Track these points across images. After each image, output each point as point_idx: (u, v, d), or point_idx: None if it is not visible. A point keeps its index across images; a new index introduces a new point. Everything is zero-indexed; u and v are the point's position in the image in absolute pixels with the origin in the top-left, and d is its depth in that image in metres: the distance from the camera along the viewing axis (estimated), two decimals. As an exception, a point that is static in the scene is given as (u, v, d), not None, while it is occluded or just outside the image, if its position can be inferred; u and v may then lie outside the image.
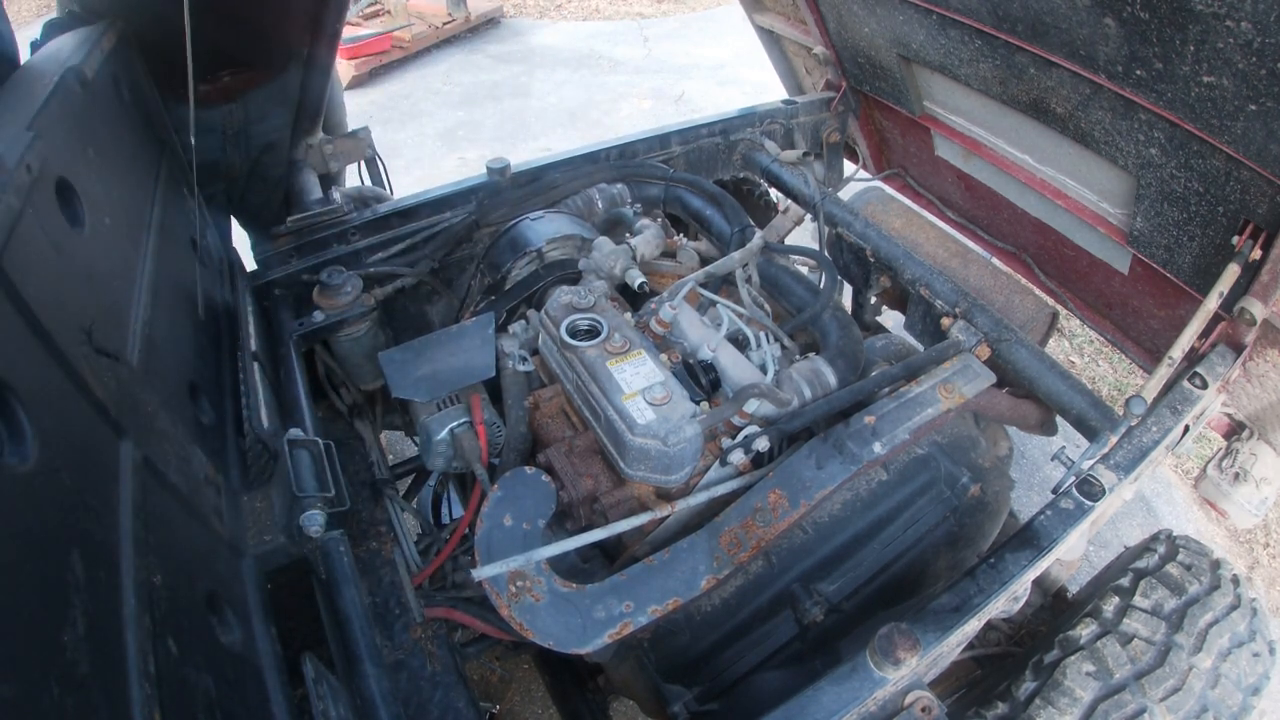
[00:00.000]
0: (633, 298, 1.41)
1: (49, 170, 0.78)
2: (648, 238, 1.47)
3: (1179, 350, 1.11)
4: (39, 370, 0.61)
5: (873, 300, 1.73)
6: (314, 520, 0.94)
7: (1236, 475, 1.35)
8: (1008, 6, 1.24)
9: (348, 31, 4.88)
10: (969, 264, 1.65)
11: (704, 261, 1.55)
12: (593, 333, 1.18)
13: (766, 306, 1.41)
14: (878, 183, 2.18)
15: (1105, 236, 1.52)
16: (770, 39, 2.25)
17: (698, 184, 1.69)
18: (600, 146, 1.73)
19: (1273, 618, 2.19)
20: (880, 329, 1.83)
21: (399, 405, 1.49)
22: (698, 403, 1.09)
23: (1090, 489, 0.99)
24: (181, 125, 1.51)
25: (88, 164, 0.91)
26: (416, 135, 4.75)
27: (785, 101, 2.00)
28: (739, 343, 1.26)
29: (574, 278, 1.40)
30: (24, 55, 1.09)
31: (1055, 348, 3.03)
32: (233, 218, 1.91)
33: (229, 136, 1.65)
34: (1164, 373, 1.11)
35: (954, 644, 0.91)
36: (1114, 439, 1.07)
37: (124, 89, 1.17)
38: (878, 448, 1.09)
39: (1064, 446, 1.16)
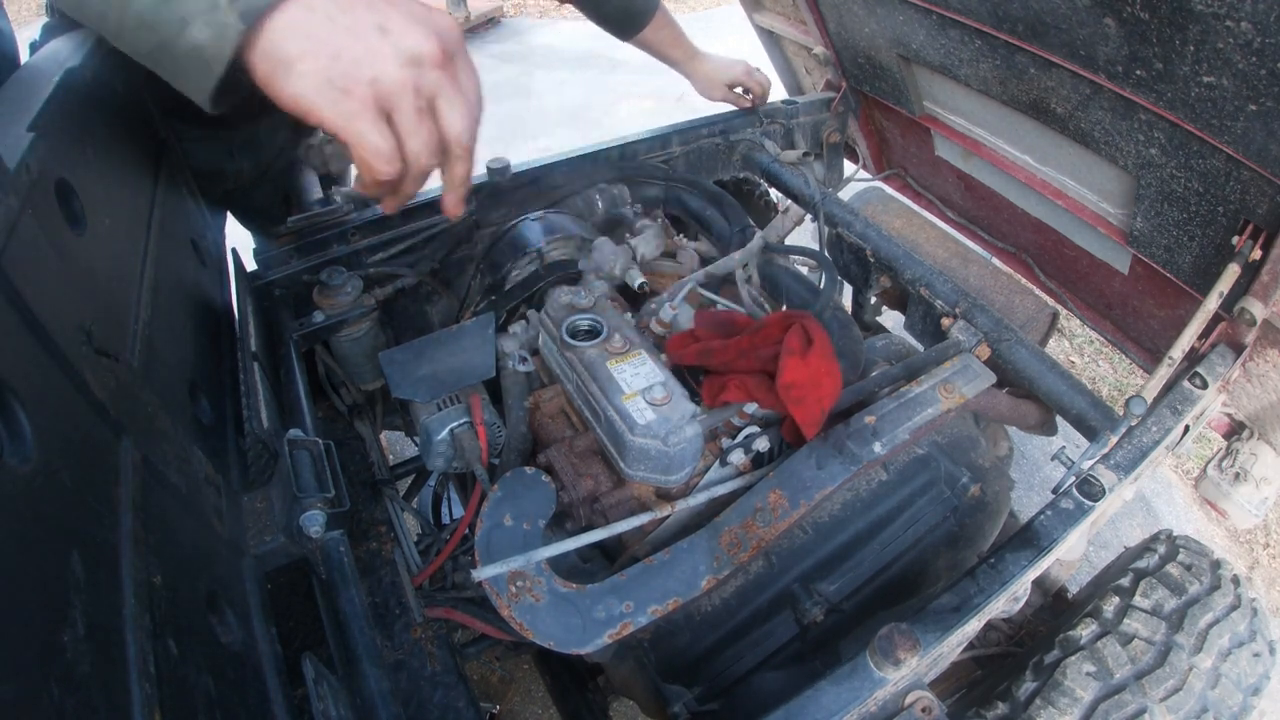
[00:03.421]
0: (633, 298, 1.41)
1: (49, 171, 0.78)
2: (648, 238, 1.47)
3: (1179, 350, 1.11)
4: (39, 370, 0.61)
5: (873, 300, 1.73)
6: (314, 520, 0.94)
7: (1236, 475, 1.35)
8: (1008, 6, 1.24)
9: (348, 31, 4.87)
10: (969, 264, 1.65)
11: (704, 261, 1.55)
12: (593, 333, 1.18)
13: (767, 306, 1.41)
14: (878, 183, 2.18)
15: (1105, 236, 1.52)
16: (770, 39, 2.25)
17: (698, 184, 1.69)
18: (600, 146, 1.73)
19: (1273, 618, 2.19)
20: (880, 329, 1.83)
21: (399, 405, 1.49)
22: (698, 403, 1.09)
23: (1090, 489, 0.99)
24: (183, 134, 1.49)
25: (87, 165, 0.91)
26: (416, 135, 4.74)
27: (785, 101, 2.00)
28: (739, 343, 1.26)
29: (574, 278, 1.40)
30: (24, 55, 1.09)
31: (1055, 348, 3.03)
32: (234, 218, 1.90)
33: (236, 144, 1.64)
34: (1164, 373, 1.11)
35: (954, 644, 0.91)
36: (1114, 439, 1.07)
37: (123, 89, 1.17)
38: (878, 448, 1.09)
39: (1064, 446, 1.16)
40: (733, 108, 1.95)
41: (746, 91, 1.93)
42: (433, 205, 1.57)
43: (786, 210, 1.96)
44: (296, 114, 0.66)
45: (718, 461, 1.10)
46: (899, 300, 1.68)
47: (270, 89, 0.65)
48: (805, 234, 2.43)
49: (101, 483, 0.65)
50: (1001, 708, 1.05)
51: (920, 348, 1.51)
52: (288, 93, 0.64)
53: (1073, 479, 1.03)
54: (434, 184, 1.75)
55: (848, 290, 1.77)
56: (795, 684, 0.84)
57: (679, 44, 1.84)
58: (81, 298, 0.75)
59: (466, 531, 1.20)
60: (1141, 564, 1.18)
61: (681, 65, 1.88)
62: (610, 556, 1.14)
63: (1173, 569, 1.15)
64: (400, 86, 0.65)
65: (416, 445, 1.43)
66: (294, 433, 1.05)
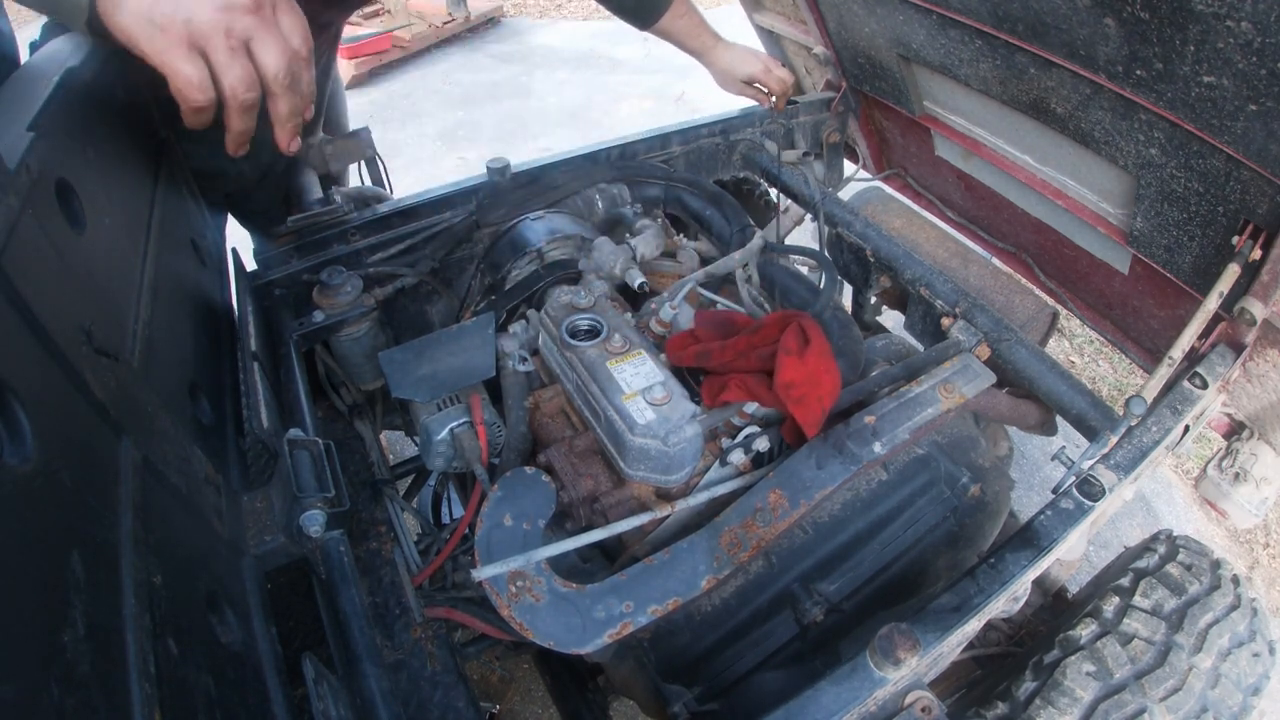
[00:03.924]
0: (633, 298, 1.41)
1: (49, 171, 0.78)
2: (648, 238, 1.47)
3: (1179, 350, 1.11)
4: (39, 370, 0.61)
5: (873, 300, 1.73)
6: (314, 520, 0.94)
7: (1236, 475, 1.35)
8: (1008, 6, 1.24)
9: (348, 31, 4.88)
10: (969, 264, 1.65)
11: (704, 261, 1.55)
12: (593, 333, 1.18)
13: (767, 306, 1.41)
14: (878, 183, 2.18)
15: (1105, 236, 1.53)
16: (770, 39, 2.25)
17: (698, 184, 1.69)
18: (600, 146, 1.73)
19: (1273, 618, 2.19)
20: (880, 329, 1.83)
21: (399, 405, 1.49)
22: (698, 403, 1.09)
23: (1090, 489, 0.99)
24: (183, 134, 1.50)
25: (88, 165, 0.91)
26: (416, 135, 4.75)
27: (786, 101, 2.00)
28: (739, 343, 1.26)
29: (574, 278, 1.40)
30: (24, 55, 1.09)
31: (1055, 348, 3.03)
32: (234, 218, 1.90)
33: None
34: (1164, 373, 1.11)
35: (954, 644, 0.91)
36: (1114, 439, 1.07)
37: (123, 89, 1.17)
38: (878, 448, 1.09)
39: (1064, 446, 1.16)
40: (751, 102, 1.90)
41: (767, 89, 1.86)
42: (433, 205, 1.57)
43: (786, 210, 1.96)
44: (123, 44, 0.76)
45: (718, 461, 1.10)
46: (899, 300, 1.68)
47: (105, 20, 0.74)
48: (805, 234, 2.43)
49: (101, 483, 0.65)
50: (1001, 708, 1.05)
51: (920, 348, 1.51)
52: (115, 24, 0.74)
53: (1073, 479, 1.03)
54: (433, 184, 1.75)
55: (848, 290, 1.77)
56: (795, 684, 0.84)
57: (698, 34, 1.78)
58: (81, 298, 0.75)
59: (466, 531, 1.20)
60: (1141, 564, 1.18)
61: (700, 56, 1.82)
62: (610, 556, 1.14)
63: (1173, 569, 1.15)
64: (212, 27, 0.75)
65: (416, 445, 1.43)
66: (294, 433, 1.05)
